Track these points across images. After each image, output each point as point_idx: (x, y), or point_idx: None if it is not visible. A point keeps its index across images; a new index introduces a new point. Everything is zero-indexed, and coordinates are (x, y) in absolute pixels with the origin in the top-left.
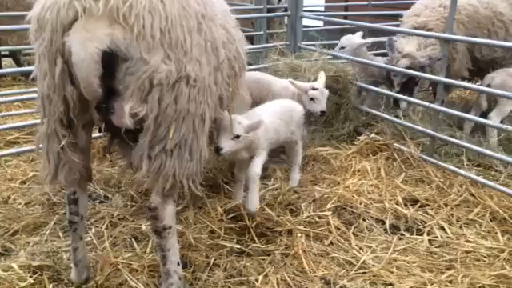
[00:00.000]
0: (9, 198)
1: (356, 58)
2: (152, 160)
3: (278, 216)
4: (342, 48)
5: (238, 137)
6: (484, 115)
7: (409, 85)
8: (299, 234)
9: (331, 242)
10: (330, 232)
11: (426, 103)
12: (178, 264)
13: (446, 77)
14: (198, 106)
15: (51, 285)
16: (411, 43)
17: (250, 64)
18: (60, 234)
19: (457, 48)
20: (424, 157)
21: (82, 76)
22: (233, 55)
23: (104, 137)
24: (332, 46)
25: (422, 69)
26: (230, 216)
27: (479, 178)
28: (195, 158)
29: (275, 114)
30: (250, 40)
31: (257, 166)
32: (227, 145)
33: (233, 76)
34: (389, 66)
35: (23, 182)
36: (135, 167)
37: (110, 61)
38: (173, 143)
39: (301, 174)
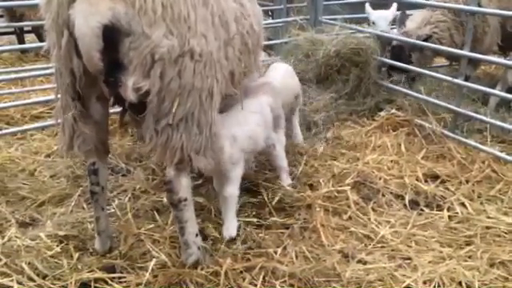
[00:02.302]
0: (35, 170)
1: (375, 31)
2: (159, 134)
3: (298, 192)
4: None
5: None
6: (511, 90)
7: (400, 57)
8: (318, 209)
9: (350, 217)
10: (349, 207)
11: (449, 78)
12: (197, 235)
13: (477, 52)
14: (204, 80)
15: (77, 253)
16: (415, 20)
17: (269, 39)
18: (84, 205)
19: (488, 22)
20: (446, 133)
21: (84, 49)
22: (246, 31)
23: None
24: (354, 21)
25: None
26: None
27: (502, 155)
28: (204, 131)
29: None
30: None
31: (231, 186)
32: None
33: (246, 52)
34: (408, 39)
35: (48, 156)
36: (144, 140)
37: (112, 35)
38: (177, 117)
39: (292, 182)
